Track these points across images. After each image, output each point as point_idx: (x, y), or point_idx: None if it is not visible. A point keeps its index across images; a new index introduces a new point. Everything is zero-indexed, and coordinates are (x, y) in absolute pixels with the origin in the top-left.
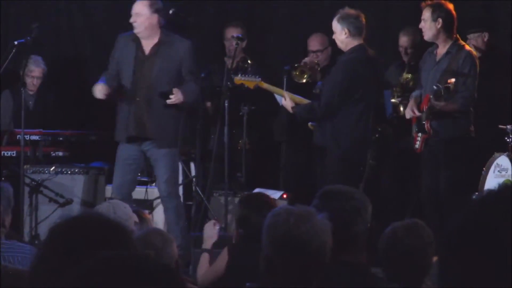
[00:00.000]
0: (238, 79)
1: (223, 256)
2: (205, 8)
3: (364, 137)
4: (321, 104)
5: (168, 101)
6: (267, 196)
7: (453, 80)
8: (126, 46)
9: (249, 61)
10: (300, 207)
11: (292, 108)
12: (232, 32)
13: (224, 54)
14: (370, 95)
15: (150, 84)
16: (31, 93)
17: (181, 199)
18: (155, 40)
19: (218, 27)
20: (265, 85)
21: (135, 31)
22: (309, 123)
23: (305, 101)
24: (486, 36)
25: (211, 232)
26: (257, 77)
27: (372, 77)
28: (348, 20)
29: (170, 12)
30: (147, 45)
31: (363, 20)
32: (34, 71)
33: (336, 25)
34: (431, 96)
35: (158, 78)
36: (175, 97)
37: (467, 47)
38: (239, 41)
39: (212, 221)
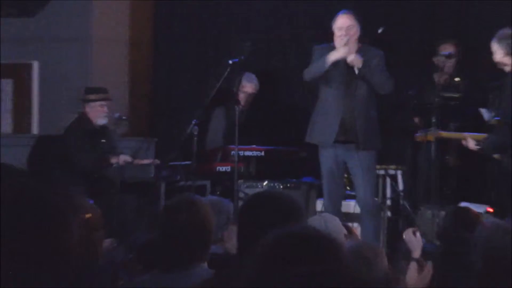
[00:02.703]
0: (417, 137)
1: (428, 269)
2: (411, 26)
3: None
4: (505, 124)
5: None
6: (472, 211)
7: None
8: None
9: (456, 79)
10: (508, 222)
11: (476, 145)
12: (444, 49)
13: (434, 69)
14: None
15: (352, 89)
16: (243, 109)
17: (388, 214)
18: (354, 48)
19: (428, 43)
20: (444, 134)
21: (345, 42)
22: (494, 155)
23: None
24: None
25: (415, 240)
26: (435, 129)
27: None
28: (505, 41)
29: (379, 31)
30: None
31: None
32: (246, 87)
33: (493, 45)
34: None
35: (358, 82)
36: (351, 58)
37: None
38: (447, 59)
39: (410, 229)
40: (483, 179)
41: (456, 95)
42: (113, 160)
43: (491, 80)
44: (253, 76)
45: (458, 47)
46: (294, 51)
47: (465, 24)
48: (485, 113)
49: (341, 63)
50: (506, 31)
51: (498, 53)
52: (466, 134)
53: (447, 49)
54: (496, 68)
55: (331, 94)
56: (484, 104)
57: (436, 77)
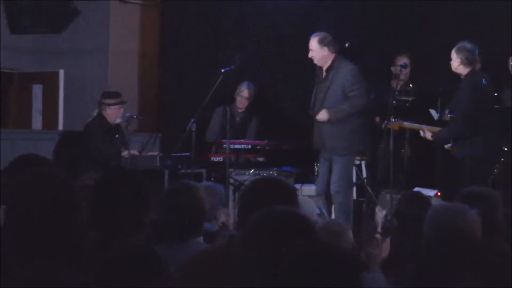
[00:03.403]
0: (385, 124)
1: (387, 243)
2: (375, 40)
3: (497, 145)
4: (458, 120)
5: (317, 117)
6: (422, 195)
7: None
8: (317, 73)
9: (410, 85)
10: (455, 204)
11: (432, 136)
12: (400, 60)
13: (391, 77)
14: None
15: (323, 104)
16: (239, 110)
17: (354, 197)
18: (326, 65)
19: (387, 55)
20: (406, 125)
21: (314, 62)
22: (445, 145)
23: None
24: None
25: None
26: (398, 120)
27: (493, 96)
28: (461, 52)
29: (346, 45)
30: (322, 71)
31: (476, 53)
32: (243, 92)
33: (452, 54)
34: None
35: (328, 98)
36: (319, 116)
37: None
38: (402, 68)
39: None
40: (433, 168)
41: (409, 98)
42: (124, 154)
43: (439, 86)
44: (251, 84)
45: (411, 58)
46: (281, 66)
47: (418, 39)
48: (433, 113)
49: (322, 82)
50: (464, 44)
51: (456, 62)
52: (423, 126)
53: (402, 60)
54: (443, 76)
55: (314, 110)
56: (433, 105)
57: (393, 83)
